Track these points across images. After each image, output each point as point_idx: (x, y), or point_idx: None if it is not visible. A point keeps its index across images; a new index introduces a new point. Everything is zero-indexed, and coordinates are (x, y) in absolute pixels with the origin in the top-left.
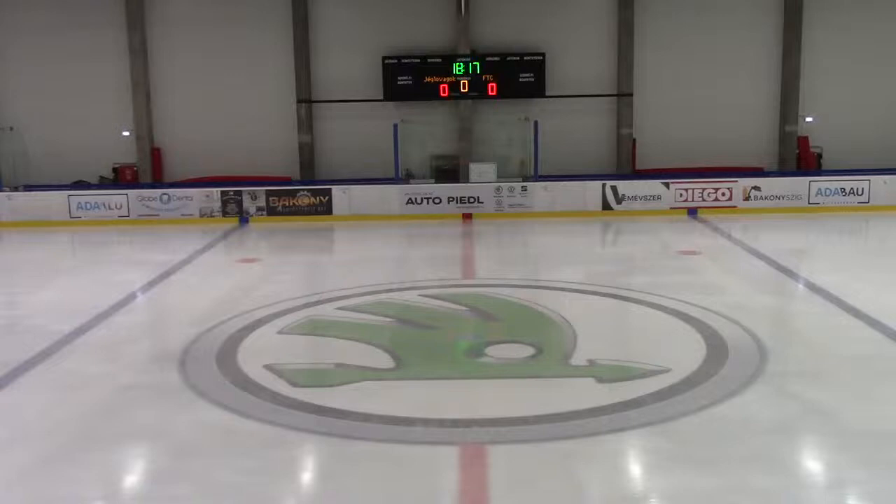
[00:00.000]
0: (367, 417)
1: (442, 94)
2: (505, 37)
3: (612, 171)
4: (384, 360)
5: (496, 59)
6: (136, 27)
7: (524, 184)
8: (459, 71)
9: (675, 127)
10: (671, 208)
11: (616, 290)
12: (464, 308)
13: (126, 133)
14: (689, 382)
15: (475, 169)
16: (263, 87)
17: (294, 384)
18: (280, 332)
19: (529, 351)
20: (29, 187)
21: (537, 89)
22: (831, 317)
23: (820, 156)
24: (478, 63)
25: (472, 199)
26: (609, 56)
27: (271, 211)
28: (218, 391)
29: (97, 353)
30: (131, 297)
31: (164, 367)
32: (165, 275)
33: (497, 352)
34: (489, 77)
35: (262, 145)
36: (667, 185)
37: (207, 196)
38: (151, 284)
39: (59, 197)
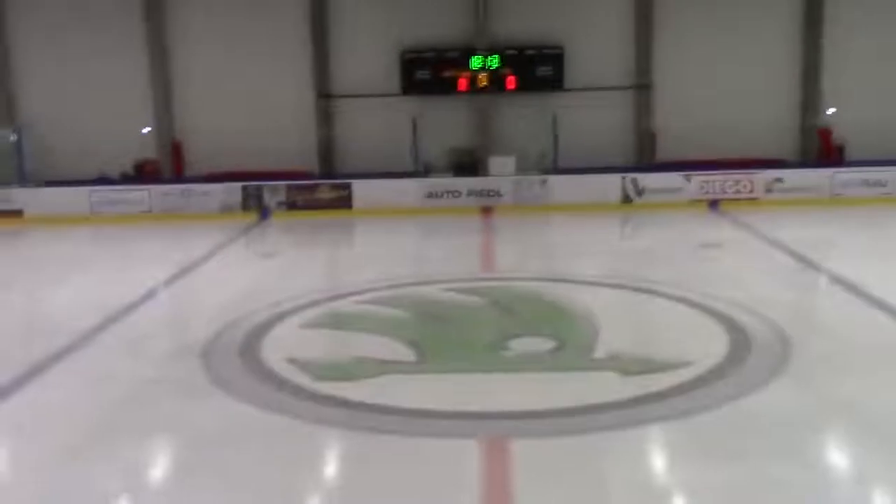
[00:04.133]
0: (389, 410)
1: (460, 89)
2: (523, 30)
3: (633, 164)
4: (406, 354)
5: (514, 52)
6: (154, 22)
7: (544, 177)
8: (478, 65)
9: (695, 119)
10: (692, 200)
11: (637, 283)
12: (484, 301)
13: (146, 129)
14: (712, 375)
15: (494, 162)
16: (283, 81)
17: (316, 377)
18: (302, 326)
19: (551, 344)
20: (51, 183)
21: (556, 82)
22: (855, 308)
23: (842, 147)
24: (496, 57)
25: (491, 193)
26: (628, 48)
27: (291, 205)
28: (241, 384)
29: (121, 347)
30: (154, 291)
31: (188, 360)
32: (188, 270)
33: (519, 345)
34: (508, 71)
35: (282, 139)
36: (688, 177)
37: (228, 191)
38: (174, 279)
39: (81, 193)
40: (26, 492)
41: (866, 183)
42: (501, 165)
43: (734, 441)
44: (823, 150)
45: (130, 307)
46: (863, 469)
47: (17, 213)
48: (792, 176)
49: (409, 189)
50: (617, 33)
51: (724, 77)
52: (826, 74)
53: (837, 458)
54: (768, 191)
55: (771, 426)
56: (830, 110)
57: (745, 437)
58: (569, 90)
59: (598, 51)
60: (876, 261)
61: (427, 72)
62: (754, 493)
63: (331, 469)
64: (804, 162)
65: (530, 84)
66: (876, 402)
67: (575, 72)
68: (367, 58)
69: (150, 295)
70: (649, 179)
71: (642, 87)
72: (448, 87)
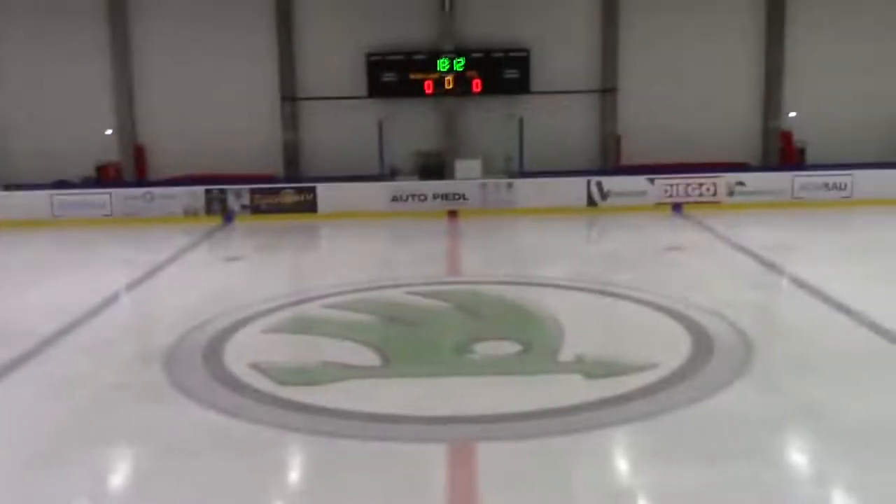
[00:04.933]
0: (354, 416)
1: (426, 91)
2: (489, 33)
3: (598, 167)
4: (371, 358)
5: (480, 55)
6: (118, 24)
7: (509, 180)
8: (444, 67)
9: (659, 122)
10: (656, 204)
11: (602, 286)
12: (450, 305)
13: (109, 131)
14: (676, 377)
15: (460, 166)
16: (247, 83)
17: (280, 383)
18: (266, 331)
19: (517, 347)
20: (10, 187)
21: (522, 85)
22: (816, 311)
23: (803, 150)
24: (462, 59)
25: (457, 196)
26: (594, 52)
27: (256, 209)
28: (204, 390)
29: (83, 352)
30: (116, 296)
31: (150, 366)
32: (150, 274)
33: (484, 349)
34: (474, 73)
35: (246, 143)
36: (651, 180)
37: (191, 195)
38: (136, 284)
39: (41, 196)
40: None
41: (826, 186)
42: (467, 169)
43: (699, 442)
44: (785, 154)
45: (93, 312)
46: (826, 469)
47: None
48: (754, 179)
49: (375, 193)
50: (583, 37)
51: (688, 81)
52: (787, 78)
53: (801, 458)
54: (730, 194)
55: (735, 427)
56: (792, 114)
57: (709, 439)
58: (535, 93)
59: (563, 54)
60: (837, 263)
61: (393, 74)
62: (720, 494)
63: (294, 475)
64: (766, 165)
65: (496, 87)
66: (838, 403)
67: (541, 75)
68: (333, 60)
69: (112, 299)
70: (614, 183)
71: (607, 90)
72: (414, 90)
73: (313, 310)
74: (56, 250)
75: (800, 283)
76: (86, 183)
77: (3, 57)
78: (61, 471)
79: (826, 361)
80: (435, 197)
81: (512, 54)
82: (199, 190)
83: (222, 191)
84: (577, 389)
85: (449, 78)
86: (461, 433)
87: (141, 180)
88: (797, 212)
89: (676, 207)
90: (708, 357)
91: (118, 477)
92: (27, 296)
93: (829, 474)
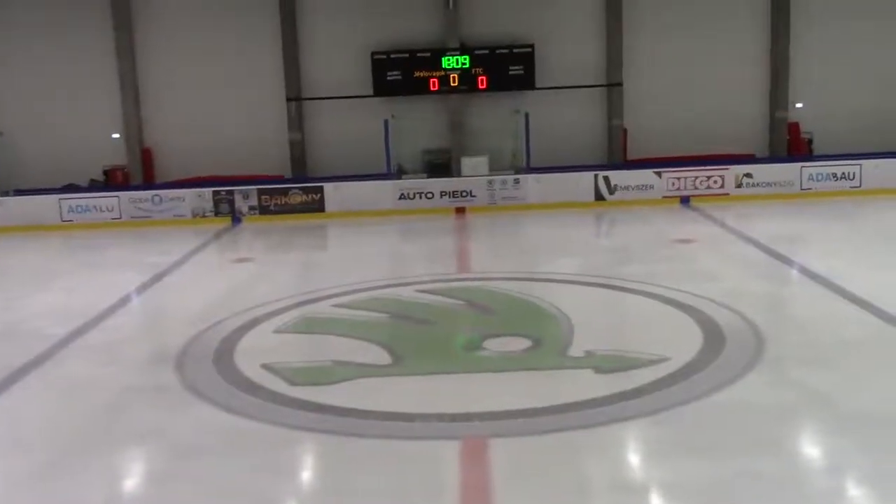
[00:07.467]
0: (366, 414)
1: (432, 89)
2: (494, 29)
3: (604, 161)
4: (382, 357)
5: (485, 52)
6: (122, 28)
7: (516, 176)
8: (449, 65)
9: (665, 115)
10: (664, 197)
11: (612, 281)
12: (460, 302)
13: (116, 135)
14: (687, 370)
15: (467, 163)
16: (253, 85)
17: (292, 383)
18: (276, 331)
19: (527, 343)
20: (19, 192)
21: (527, 81)
22: (827, 302)
23: (811, 141)
24: (467, 56)
25: (464, 193)
26: (598, 46)
27: (264, 210)
28: (216, 392)
29: (95, 355)
30: (126, 299)
31: (162, 368)
32: (160, 276)
33: (495, 345)
34: (479, 70)
35: (253, 144)
36: (659, 174)
37: (199, 196)
38: (146, 286)
39: (50, 201)
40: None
41: (834, 176)
42: (474, 166)
43: (712, 435)
44: (792, 145)
45: (103, 315)
46: (840, 460)
47: None
48: (761, 171)
49: (382, 191)
50: (587, 31)
51: (694, 73)
52: (794, 69)
53: (814, 449)
54: (738, 186)
55: (748, 420)
56: (798, 105)
57: (723, 431)
58: (540, 89)
59: (568, 49)
60: (847, 254)
61: (398, 73)
62: (732, 487)
63: (309, 475)
64: (773, 156)
65: (502, 83)
66: (849, 394)
67: (546, 70)
68: (338, 60)
69: (123, 302)
70: (621, 177)
71: (613, 84)
72: (420, 88)
73: (323, 309)
74: (66, 254)
75: (810, 274)
76: (94, 187)
77: (11, 63)
78: (75, 474)
79: (838, 352)
80: (442, 194)
81: (516, 50)
82: (207, 192)
83: (230, 192)
84: (588, 384)
85: (454, 75)
86: (473, 430)
87: (149, 183)
88: (806, 203)
89: (684, 200)
90: (719, 349)
91: (132, 480)
92: (38, 299)
93: (840, 465)
